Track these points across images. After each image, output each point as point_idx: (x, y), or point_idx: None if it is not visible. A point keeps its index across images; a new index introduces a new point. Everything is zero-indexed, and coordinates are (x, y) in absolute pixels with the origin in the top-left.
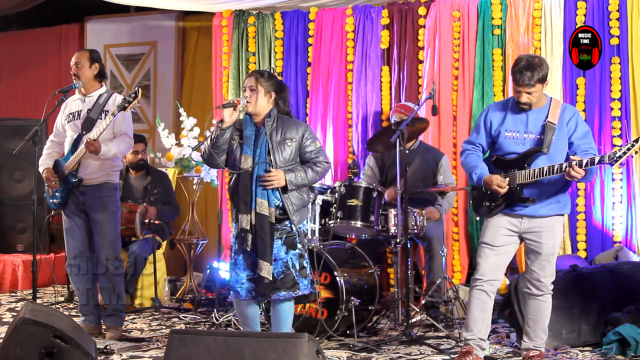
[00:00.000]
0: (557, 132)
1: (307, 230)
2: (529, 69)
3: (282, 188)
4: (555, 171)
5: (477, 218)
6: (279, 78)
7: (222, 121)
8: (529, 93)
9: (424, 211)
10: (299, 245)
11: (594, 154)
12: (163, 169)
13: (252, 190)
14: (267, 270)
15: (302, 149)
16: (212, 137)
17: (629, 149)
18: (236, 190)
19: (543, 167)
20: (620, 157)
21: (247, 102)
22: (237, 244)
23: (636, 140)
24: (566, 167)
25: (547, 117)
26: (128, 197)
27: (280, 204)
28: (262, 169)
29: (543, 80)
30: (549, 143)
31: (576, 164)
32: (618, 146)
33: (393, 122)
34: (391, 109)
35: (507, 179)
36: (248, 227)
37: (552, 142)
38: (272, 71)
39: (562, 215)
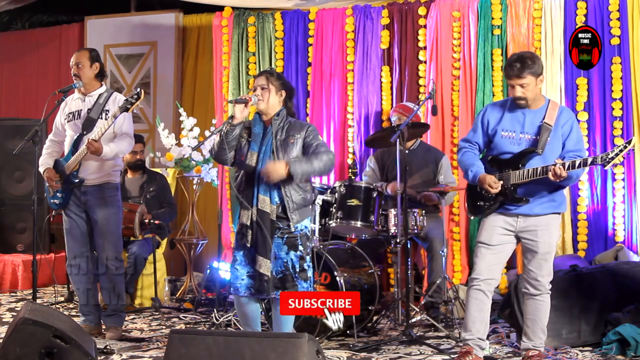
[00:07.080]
0: (553, 133)
1: (309, 232)
2: (518, 61)
3: (285, 180)
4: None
5: (472, 217)
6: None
7: (232, 117)
8: (521, 86)
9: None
10: (300, 247)
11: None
12: (163, 169)
13: (255, 186)
14: (266, 267)
15: (305, 144)
16: (222, 132)
17: (621, 150)
18: (240, 187)
19: (537, 168)
20: (612, 158)
21: (259, 99)
22: (237, 240)
23: (629, 142)
24: (552, 166)
25: (544, 118)
26: (125, 198)
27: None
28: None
29: (535, 74)
30: (544, 144)
31: (568, 166)
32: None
33: (393, 121)
34: (392, 108)
35: (501, 181)
36: (248, 223)
37: (547, 143)
38: None
39: (558, 213)
